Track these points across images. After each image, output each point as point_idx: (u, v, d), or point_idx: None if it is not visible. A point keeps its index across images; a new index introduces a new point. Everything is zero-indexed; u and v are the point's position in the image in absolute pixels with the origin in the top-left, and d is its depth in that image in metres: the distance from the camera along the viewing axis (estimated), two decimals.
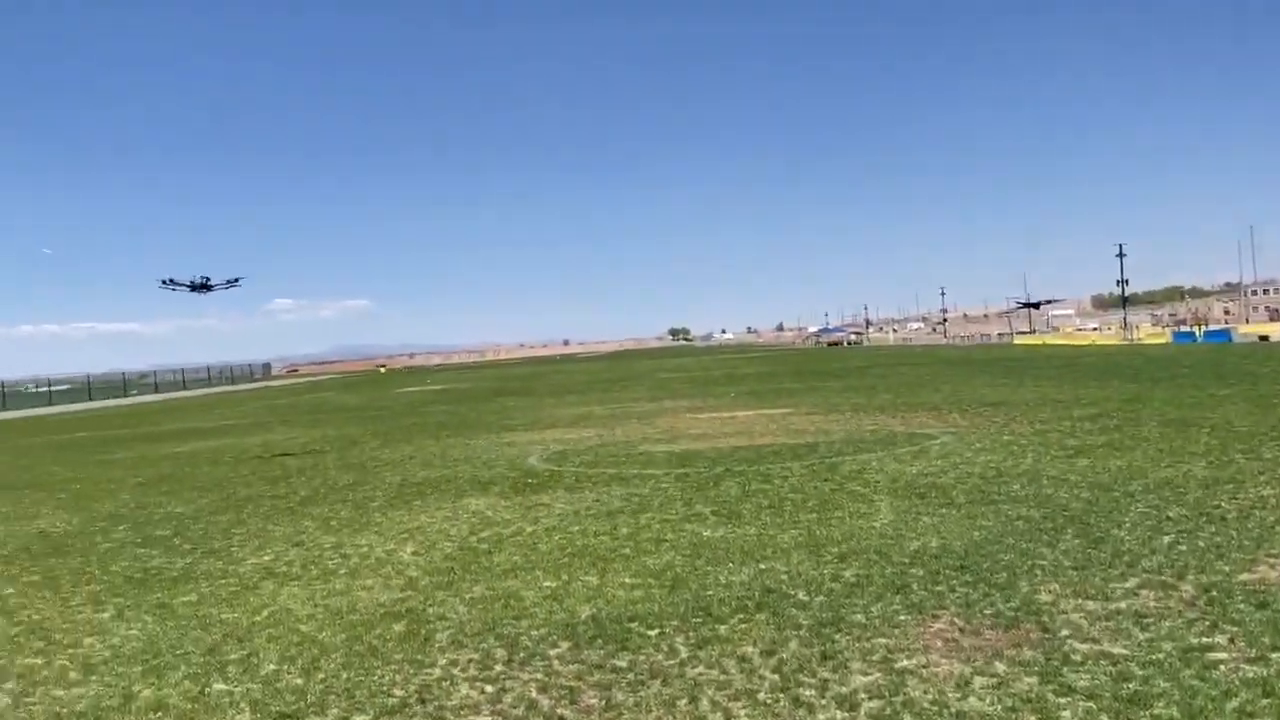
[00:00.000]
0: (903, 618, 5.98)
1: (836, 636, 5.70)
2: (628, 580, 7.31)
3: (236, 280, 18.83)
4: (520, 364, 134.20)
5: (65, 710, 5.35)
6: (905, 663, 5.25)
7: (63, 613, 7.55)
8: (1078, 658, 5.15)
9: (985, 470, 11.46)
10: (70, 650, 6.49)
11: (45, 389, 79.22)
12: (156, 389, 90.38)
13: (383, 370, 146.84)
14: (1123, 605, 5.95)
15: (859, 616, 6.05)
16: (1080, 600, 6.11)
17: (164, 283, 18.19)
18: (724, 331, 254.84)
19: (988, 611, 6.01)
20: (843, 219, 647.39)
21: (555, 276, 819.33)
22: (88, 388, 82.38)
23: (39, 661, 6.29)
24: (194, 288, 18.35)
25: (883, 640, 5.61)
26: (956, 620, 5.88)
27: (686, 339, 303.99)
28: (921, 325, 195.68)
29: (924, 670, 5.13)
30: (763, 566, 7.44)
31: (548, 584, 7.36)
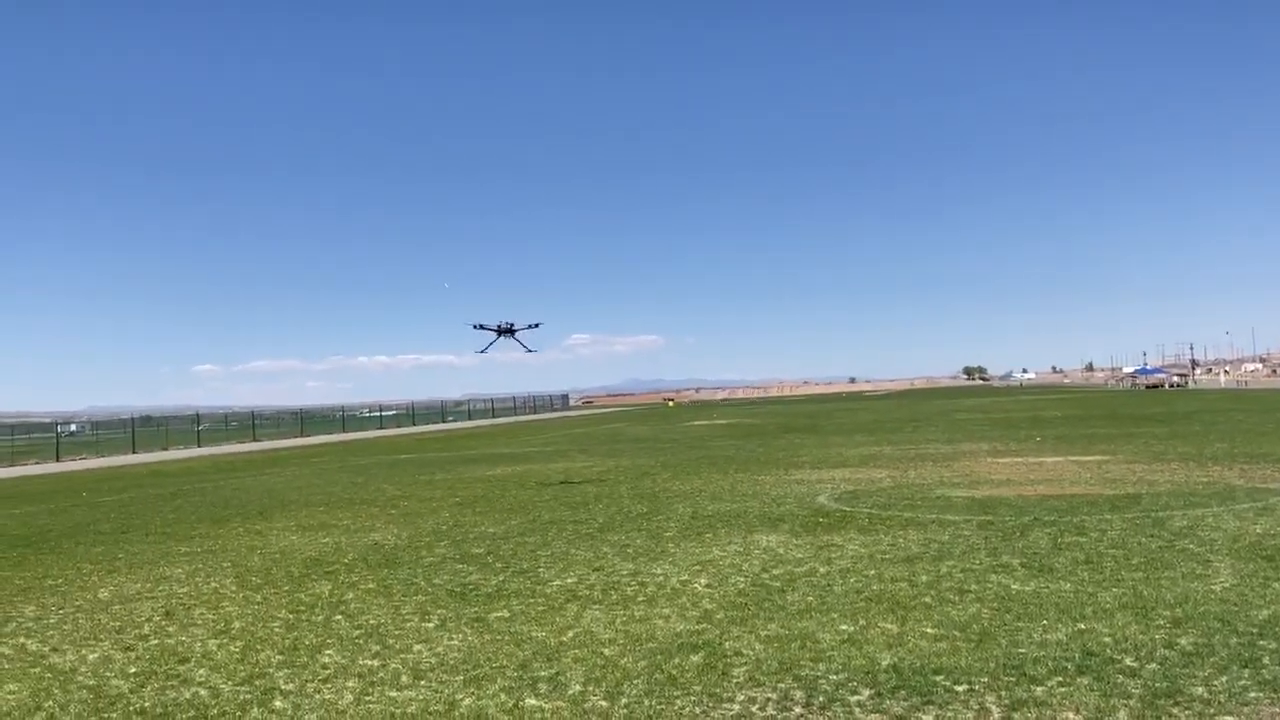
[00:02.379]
0: (1253, 694, 5.31)
1: (1174, 710, 5.14)
2: (930, 630, 6.98)
3: (537, 324, 20.49)
4: (805, 401, 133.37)
5: (399, 711, 5.82)
6: None
7: (394, 619, 8.29)
8: None
9: None
10: (402, 655, 7.09)
11: (377, 414, 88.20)
12: (469, 415, 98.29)
13: (670, 403, 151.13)
14: None
15: (1199, 689, 5.42)
16: None
17: (476, 327, 20.12)
18: (1024, 370, 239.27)
19: None
20: (1160, 250, 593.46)
21: (843, 313, 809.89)
22: (411, 413, 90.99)
23: (376, 664, 6.91)
24: (500, 331, 20.20)
25: (1230, 719, 4.99)
26: None
27: (983, 378, 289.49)
28: (1259, 366, 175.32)
29: None
30: (1082, 626, 6.87)
31: (844, 627, 7.18)
